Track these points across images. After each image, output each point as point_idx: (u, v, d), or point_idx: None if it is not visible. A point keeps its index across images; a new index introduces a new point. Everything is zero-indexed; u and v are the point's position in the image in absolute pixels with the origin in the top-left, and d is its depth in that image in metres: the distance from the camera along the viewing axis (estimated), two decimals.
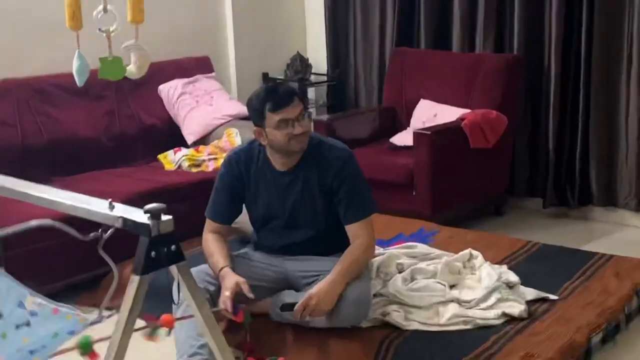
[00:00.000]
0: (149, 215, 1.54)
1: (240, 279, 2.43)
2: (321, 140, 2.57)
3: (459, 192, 4.10)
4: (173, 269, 1.58)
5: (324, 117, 4.58)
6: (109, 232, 1.61)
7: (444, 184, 3.97)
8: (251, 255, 2.72)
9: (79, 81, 2.21)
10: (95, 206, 1.64)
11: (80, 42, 2.18)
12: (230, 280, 2.43)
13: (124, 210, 1.60)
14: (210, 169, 4.07)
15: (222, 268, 2.50)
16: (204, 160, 4.14)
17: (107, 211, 1.62)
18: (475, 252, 3.11)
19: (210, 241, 2.61)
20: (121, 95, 4.27)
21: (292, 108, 2.38)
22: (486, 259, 3.11)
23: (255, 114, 2.45)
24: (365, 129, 4.61)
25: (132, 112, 4.32)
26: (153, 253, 1.54)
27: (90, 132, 4.09)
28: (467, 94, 4.37)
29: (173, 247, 1.57)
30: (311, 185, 2.54)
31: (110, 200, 1.62)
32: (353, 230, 2.53)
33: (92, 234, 1.62)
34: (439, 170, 3.92)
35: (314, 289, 2.43)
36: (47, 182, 3.53)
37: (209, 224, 2.66)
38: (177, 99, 4.43)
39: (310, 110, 2.52)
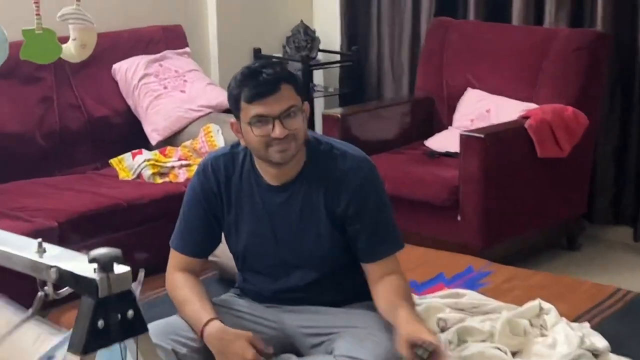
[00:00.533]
0: (95, 265, 1.37)
1: (248, 334, 2.33)
2: (332, 146, 2.45)
3: (521, 218, 4.01)
4: (130, 344, 1.41)
5: (336, 111, 4.50)
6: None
7: (500, 207, 3.89)
8: (234, 304, 2.58)
9: None
10: (16, 247, 1.48)
11: None
12: (239, 343, 2.30)
13: (60, 257, 1.43)
14: (180, 179, 4.00)
15: (208, 322, 2.35)
16: (172, 168, 4.06)
17: (34, 256, 1.45)
18: (546, 305, 2.92)
19: (181, 283, 2.47)
20: (62, 76, 4.23)
21: (275, 100, 2.26)
22: (560, 313, 2.94)
23: (231, 100, 2.35)
24: (392, 127, 4.56)
25: (77, 99, 4.28)
26: (101, 322, 1.38)
27: (18, 126, 4.03)
28: (532, 82, 4.30)
29: (130, 312, 1.41)
30: (315, 206, 2.41)
31: (40, 240, 1.46)
32: (378, 270, 2.41)
33: (36, 303, 1.45)
34: (493, 188, 3.84)
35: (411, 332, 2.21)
36: None
37: (175, 259, 2.53)
38: (138, 82, 4.40)
39: (307, 103, 2.41)
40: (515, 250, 4.04)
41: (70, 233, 3.43)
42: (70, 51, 2.06)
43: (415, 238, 3.78)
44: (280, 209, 2.43)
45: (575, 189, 4.30)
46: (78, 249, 3.61)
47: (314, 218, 2.42)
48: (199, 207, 2.48)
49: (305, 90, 5.14)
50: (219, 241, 2.56)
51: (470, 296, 3.02)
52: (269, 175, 2.41)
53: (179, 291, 2.46)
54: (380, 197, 2.44)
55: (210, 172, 2.47)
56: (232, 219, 2.48)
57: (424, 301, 2.95)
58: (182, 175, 4.01)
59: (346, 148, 2.47)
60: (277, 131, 2.26)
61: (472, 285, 3.32)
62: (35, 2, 1.89)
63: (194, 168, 3.97)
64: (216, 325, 2.34)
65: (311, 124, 5.10)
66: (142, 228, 3.60)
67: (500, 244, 3.95)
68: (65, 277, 1.42)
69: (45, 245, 1.49)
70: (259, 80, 2.27)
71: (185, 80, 4.47)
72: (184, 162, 4.09)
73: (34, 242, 1.51)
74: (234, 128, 2.40)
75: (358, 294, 2.49)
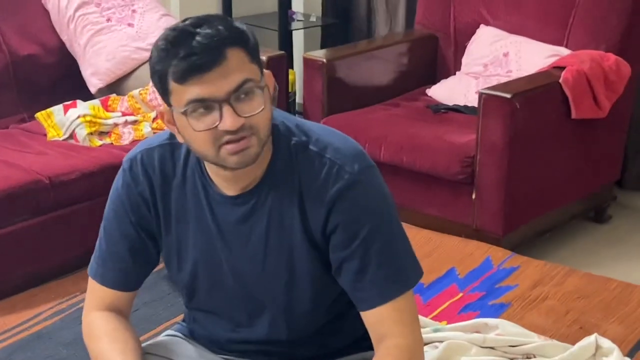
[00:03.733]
0: None
1: None
2: (309, 137, 1.78)
3: (548, 194, 3.39)
4: None
5: (319, 54, 3.79)
6: None
7: (525, 182, 3.25)
8: (178, 352, 1.99)
9: None
10: None
11: None
12: None
13: None
14: (125, 140, 3.28)
15: None
16: (115, 125, 3.32)
17: None
18: (605, 342, 2.36)
19: (100, 332, 1.85)
20: None
21: (220, 75, 1.61)
22: (612, 338, 2.43)
23: (155, 80, 1.67)
24: (386, 73, 3.92)
25: None
26: None
27: None
28: (563, 21, 3.66)
29: None
30: (286, 224, 1.78)
31: None
32: (375, 321, 1.78)
33: None
34: (518, 159, 3.19)
35: None
36: None
37: (95, 293, 1.91)
38: (75, 13, 3.72)
39: (269, 73, 1.65)
40: (537, 229, 3.44)
41: None
42: None
43: (418, 218, 3.26)
44: (237, 228, 1.80)
45: (610, 153, 3.68)
46: None
47: (286, 241, 1.79)
48: (125, 221, 1.85)
49: (284, 20, 4.33)
50: (156, 265, 1.93)
51: (503, 328, 2.47)
52: (221, 179, 1.77)
53: (96, 343, 1.84)
54: (376, 213, 1.76)
55: (139, 171, 1.83)
56: (172, 239, 1.86)
57: (441, 335, 2.38)
58: (127, 136, 3.26)
59: (330, 140, 1.77)
60: (227, 121, 1.60)
61: (492, 288, 2.85)
62: None
63: (143, 126, 3.23)
64: None
65: (289, 63, 4.26)
66: (67, 210, 2.91)
67: (522, 226, 3.32)
68: None
69: None
70: (192, 46, 1.58)
71: (133, 11, 3.76)
72: (130, 118, 3.31)
73: None
74: (164, 119, 1.70)
75: (352, 345, 1.92)
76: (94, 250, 1.92)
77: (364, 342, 1.87)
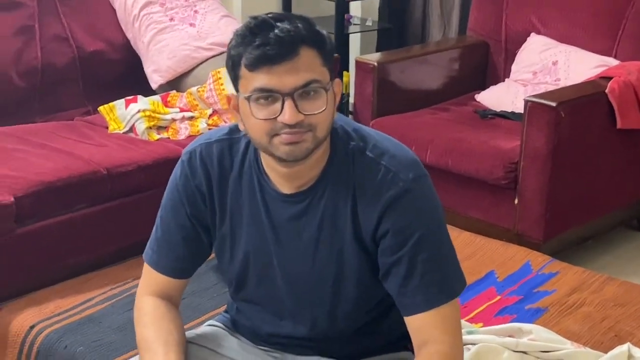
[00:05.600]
0: None
1: None
2: (366, 142, 1.77)
3: (590, 202, 3.32)
4: None
5: (371, 57, 3.73)
6: None
7: (567, 190, 3.18)
8: (222, 345, 1.98)
9: None
10: None
11: None
12: None
13: None
14: (181, 135, 3.26)
15: None
16: (173, 121, 3.30)
17: None
18: (638, 352, 2.25)
19: (148, 319, 1.87)
20: (46, 1, 3.58)
21: (289, 70, 1.62)
22: None
23: (229, 65, 1.69)
24: (437, 77, 3.88)
25: (64, 30, 3.59)
26: None
27: None
28: (613, 32, 3.60)
29: None
30: (338, 225, 1.78)
31: None
32: (418, 327, 1.76)
33: None
34: (562, 167, 3.13)
35: None
36: None
37: (149, 277, 1.92)
38: (140, 12, 3.72)
39: (339, 81, 1.67)
40: (579, 236, 3.36)
41: (31, 210, 2.66)
42: None
43: (461, 221, 3.21)
44: (290, 224, 1.80)
45: None
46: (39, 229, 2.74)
47: (336, 242, 1.78)
48: (181, 212, 1.85)
49: (340, 23, 4.29)
50: (208, 255, 1.94)
51: (537, 333, 2.37)
52: (278, 176, 1.76)
53: (143, 329, 1.85)
54: (427, 221, 1.74)
55: (198, 164, 1.82)
56: (226, 231, 1.85)
57: (474, 337, 2.29)
58: (183, 131, 3.24)
59: (386, 147, 1.76)
60: (287, 114, 1.61)
61: (529, 292, 2.74)
62: None
63: (199, 122, 3.21)
64: None
65: (345, 65, 4.22)
66: (123, 200, 2.90)
67: (563, 233, 3.25)
68: None
69: None
70: (268, 37, 1.60)
71: (195, 11, 3.73)
72: (187, 114, 3.29)
73: None
74: (230, 104, 1.73)
75: (387, 345, 1.89)
76: (146, 240, 1.93)
77: (399, 342, 1.86)
